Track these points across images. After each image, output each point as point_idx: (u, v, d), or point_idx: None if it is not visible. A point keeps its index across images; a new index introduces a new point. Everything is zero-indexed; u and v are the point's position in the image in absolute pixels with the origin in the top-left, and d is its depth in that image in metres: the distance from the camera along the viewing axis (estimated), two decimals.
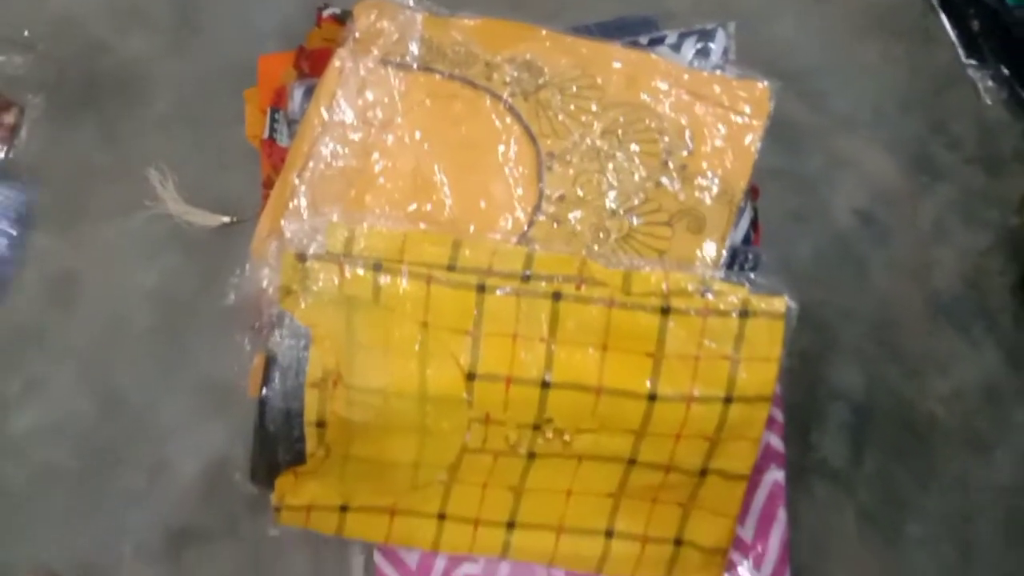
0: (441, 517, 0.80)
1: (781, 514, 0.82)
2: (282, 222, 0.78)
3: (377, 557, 0.82)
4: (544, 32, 0.84)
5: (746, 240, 0.81)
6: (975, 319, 0.91)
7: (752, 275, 0.78)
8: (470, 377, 0.75)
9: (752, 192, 0.82)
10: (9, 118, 0.91)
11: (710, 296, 0.76)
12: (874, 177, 0.94)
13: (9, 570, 0.86)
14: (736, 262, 0.79)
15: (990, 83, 0.94)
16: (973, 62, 0.95)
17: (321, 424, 0.77)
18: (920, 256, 0.93)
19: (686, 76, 0.82)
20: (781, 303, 0.75)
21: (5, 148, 0.94)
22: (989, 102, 0.95)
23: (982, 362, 0.91)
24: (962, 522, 0.88)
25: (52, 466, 0.86)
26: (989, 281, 0.92)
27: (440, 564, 0.81)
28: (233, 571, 0.84)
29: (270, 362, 0.78)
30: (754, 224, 0.83)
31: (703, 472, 0.78)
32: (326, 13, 0.89)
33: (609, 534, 0.80)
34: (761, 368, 0.75)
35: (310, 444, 0.77)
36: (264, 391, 0.79)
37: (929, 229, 0.93)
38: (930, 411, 0.90)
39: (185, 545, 0.84)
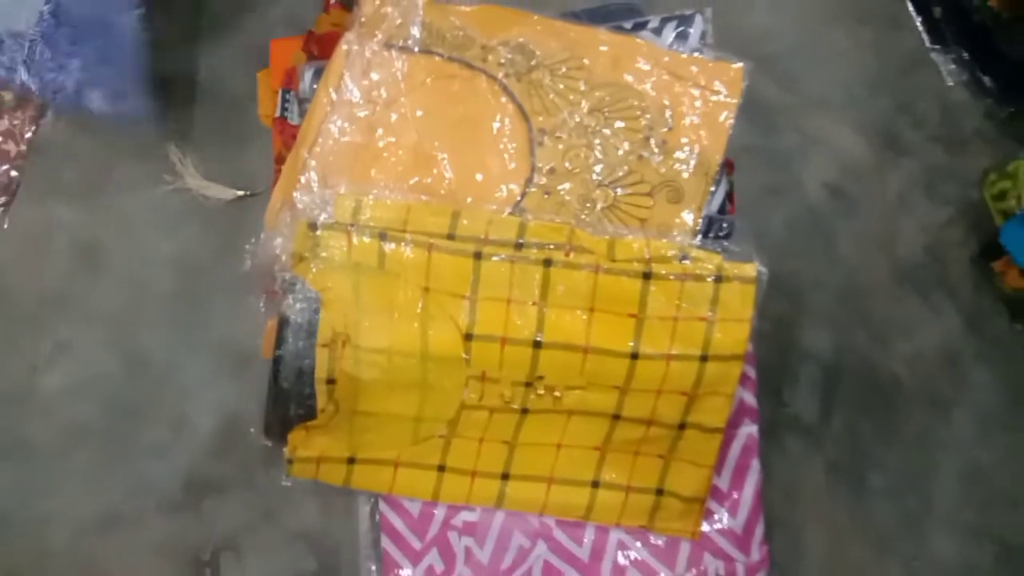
0: (441, 469, 0.82)
1: (755, 465, 0.83)
2: (294, 194, 0.79)
3: (382, 506, 0.84)
4: (536, 17, 0.84)
5: (722, 210, 0.82)
6: (936, 287, 0.93)
7: (726, 243, 0.80)
8: (468, 338, 0.76)
9: (727, 166, 0.84)
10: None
11: (688, 262, 0.78)
12: (843, 153, 0.96)
13: (42, 525, 0.86)
14: (712, 230, 0.81)
15: (952, 66, 0.96)
16: (936, 46, 0.97)
17: (331, 381, 0.79)
18: (886, 228, 0.94)
19: (666, 58, 0.83)
20: (752, 269, 0.78)
21: (33, 128, 0.96)
22: (951, 84, 0.97)
23: (943, 327, 0.93)
24: (922, 474, 0.90)
25: (80, 423, 0.89)
26: (950, 252, 0.94)
27: (440, 512, 0.83)
28: (249, 519, 0.87)
29: (283, 324, 0.81)
30: (730, 196, 0.84)
31: (682, 426, 0.80)
32: (333, 0, 0.91)
33: (595, 484, 0.82)
34: (734, 329, 0.77)
35: (320, 400, 0.80)
36: (278, 351, 0.81)
37: (894, 202, 0.95)
38: (894, 372, 0.92)
39: (204, 495, 0.87)
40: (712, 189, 0.80)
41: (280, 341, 0.80)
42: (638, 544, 0.83)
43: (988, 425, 0.91)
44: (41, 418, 0.88)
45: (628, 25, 0.85)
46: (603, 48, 0.83)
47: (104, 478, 0.87)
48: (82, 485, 0.87)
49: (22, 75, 0.85)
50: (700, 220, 0.80)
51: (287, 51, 0.90)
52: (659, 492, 0.81)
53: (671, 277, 0.77)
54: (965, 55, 0.95)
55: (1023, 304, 0.92)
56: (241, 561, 0.86)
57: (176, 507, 0.87)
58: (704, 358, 0.77)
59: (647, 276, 0.76)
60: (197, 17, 0.96)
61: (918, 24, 0.97)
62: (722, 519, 0.82)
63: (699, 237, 0.80)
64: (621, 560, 0.83)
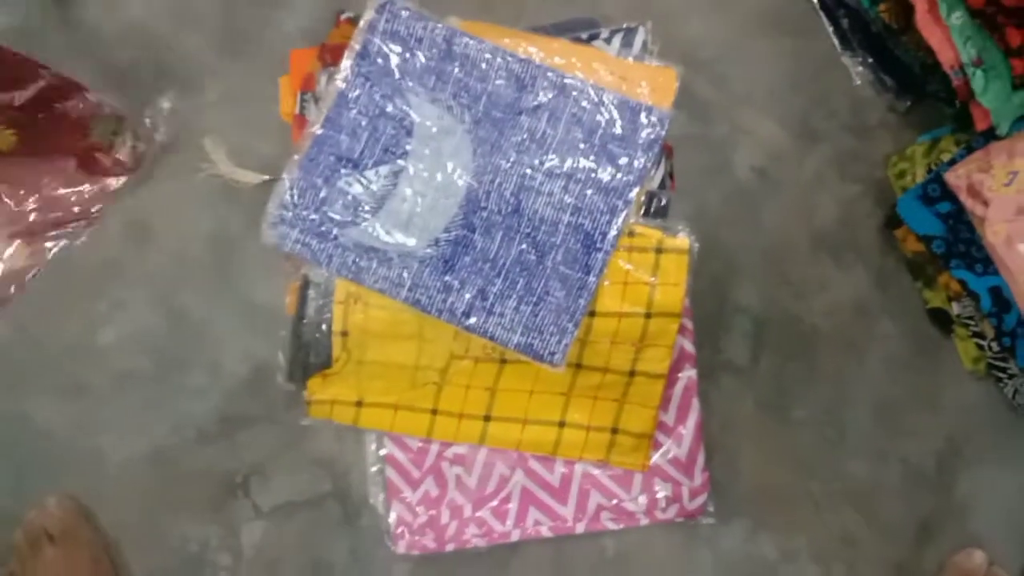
0: (433, 412, 0.89)
1: (695, 403, 0.90)
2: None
3: (386, 441, 0.91)
4: (511, 31, 0.90)
5: (662, 186, 0.88)
6: (848, 251, 0.98)
7: (665, 220, 0.87)
8: None
9: (667, 149, 0.90)
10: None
11: (634, 237, 0.86)
12: (767, 141, 1.00)
13: (99, 455, 0.93)
14: (653, 204, 0.87)
15: (859, 68, 1.00)
16: (845, 51, 1.01)
17: (344, 334, 0.87)
18: (804, 202, 0.99)
19: (613, 62, 0.89)
20: (685, 242, 0.85)
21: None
22: (858, 82, 1.01)
23: (854, 284, 0.98)
24: (839, 409, 0.96)
25: (130, 370, 0.94)
26: (859, 222, 0.99)
27: (435, 446, 0.90)
28: (274, 448, 0.93)
29: (305, 285, 0.88)
30: (670, 175, 0.90)
31: (631, 373, 0.87)
32: (343, 16, 0.95)
33: (562, 424, 0.88)
34: (672, 291, 0.85)
35: (335, 350, 0.88)
36: (300, 308, 0.89)
37: (811, 181, 0.99)
38: (813, 323, 0.97)
39: (236, 429, 0.93)
40: (653, 170, 0.87)
41: (302, 299, 0.89)
42: (599, 472, 0.90)
43: (894, 367, 0.97)
44: (97, 366, 0.94)
45: (584, 36, 0.91)
46: (559, 60, 0.88)
47: (150, 416, 0.93)
48: (132, 422, 0.93)
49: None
50: (643, 197, 0.86)
51: (305, 59, 0.95)
52: (614, 431, 0.88)
53: (622, 249, 0.85)
54: (869, 59, 1.00)
55: (921, 265, 0.97)
56: (268, 483, 0.92)
57: (212, 439, 0.93)
58: (648, 315, 0.84)
59: None
60: (227, 31, 1.00)
61: (830, 33, 1.01)
62: (669, 450, 0.89)
63: (642, 211, 0.86)
64: (586, 485, 0.89)
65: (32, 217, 0.96)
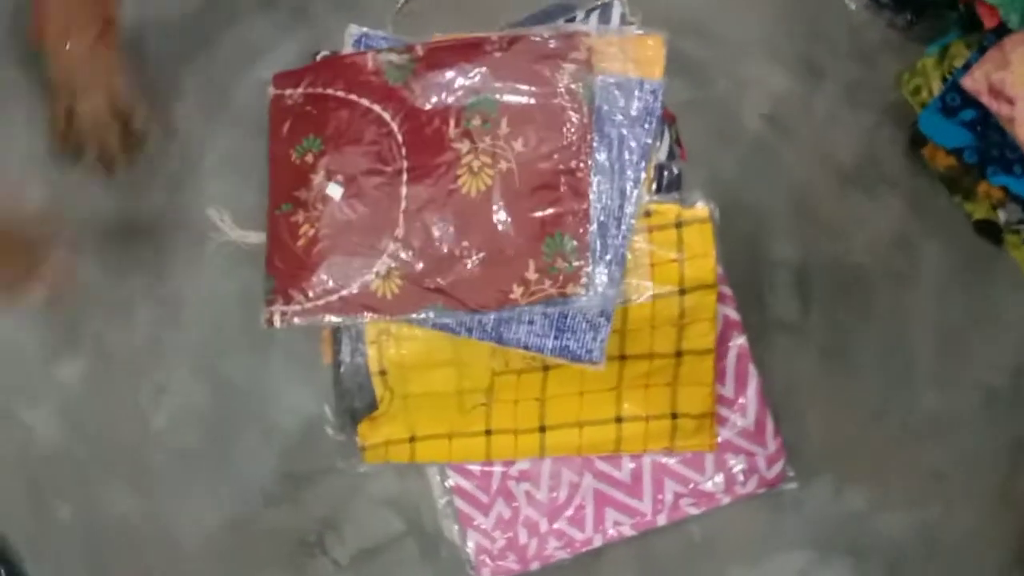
0: (488, 433, 0.85)
1: (751, 370, 0.85)
2: None
3: (449, 471, 0.87)
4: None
5: (671, 156, 0.82)
6: (877, 181, 0.93)
7: (679, 194, 0.81)
8: None
9: (669, 118, 0.84)
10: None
11: (651, 216, 0.80)
12: (771, 88, 0.95)
13: (174, 534, 0.91)
14: (664, 177, 0.81)
15: None
16: None
17: (383, 372, 0.83)
18: (821, 142, 0.94)
19: (594, 44, 0.82)
20: (704, 211, 0.80)
21: None
22: (853, 7, 0.95)
23: (890, 214, 0.92)
24: (900, 344, 0.90)
25: (187, 446, 0.92)
26: (882, 149, 0.93)
27: (498, 466, 0.86)
28: (340, 497, 0.90)
29: (336, 331, 0.85)
30: (678, 143, 0.85)
31: (678, 354, 0.82)
32: (320, 56, 0.89)
33: (619, 420, 0.84)
34: (701, 263, 0.79)
35: (378, 390, 0.84)
36: (336, 356, 0.86)
37: (824, 119, 0.94)
38: (856, 262, 0.92)
39: (300, 486, 0.90)
40: (656, 143, 0.81)
41: (336, 347, 0.85)
42: (668, 459, 0.85)
43: (947, 289, 0.91)
44: (157, 451, 0.92)
45: (561, 21, 0.86)
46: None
47: (215, 487, 0.91)
48: (199, 497, 0.91)
49: None
50: (652, 171, 0.81)
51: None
52: (674, 416, 0.83)
53: (641, 230, 0.79)
54: None
55: (956, 179, 0.91)
56: (341, 535, 0.89)
57: (279, 500, 0.90)
58: (682, 292, 0.79)
59: None
60: (209, 94, 0.99)
61: None
62: (735, 422, 0.84)
63: (654, 187, 0.81)
64: (658, 475, 0.85)
65: None
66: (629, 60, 0.80)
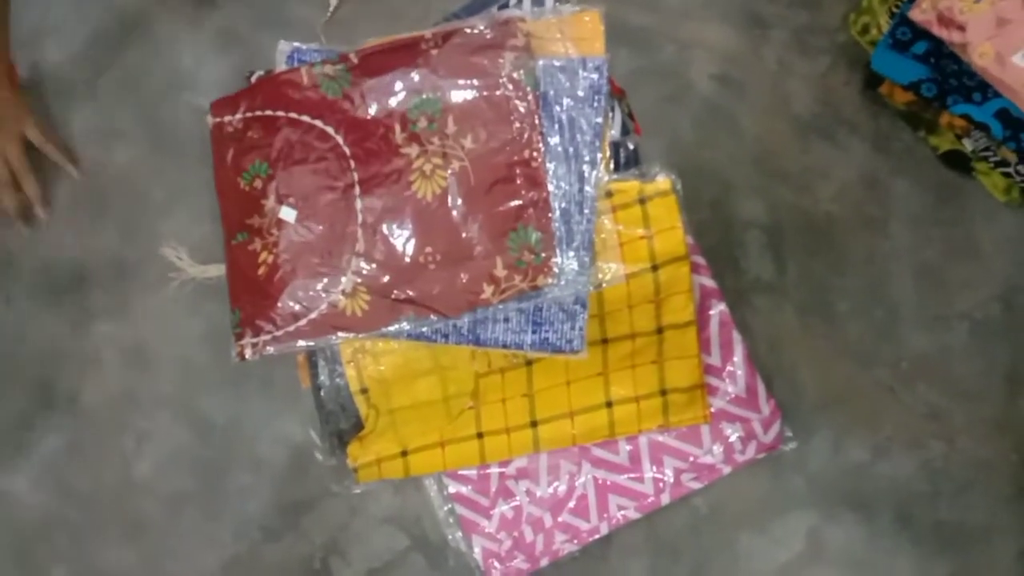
0: (480, 436, 0.82)
1: (736, 336, 0.82)
2: None
3: (446, 479, 0.84)
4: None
5: (625, 131, 0.79)
6: (837, 126, 0.90)
7: (639, 169, 0.78)
8: None
9: (618, 93, 0.81)
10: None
11: (613, 196, 0.77)
12: (718, 46, 0.92)
13: None
14: (621, 154, 0.78)
15: None
16: None
17: (364, 391, 0.80)
18: (776, 94, 0.91)
19: (530, 27, 0.78)
20: (667, 183, 0.77)
21: None
22: None
23: (854, 158, 0.90)
24: (881, 288, 0.88)
25: (178, 492, 0.89)
26: (838, 93, 0.91)
27: (494, 467, 0.83)
28: (340, 521, 0.87)
29: (311, 355, 0.82)
30: (631, 117, 0.81)
31: (659, 330, 0.79)
32: (255, 76, 0.86)
33: (609, 404, 0.81)
34: (670, 236, 0.76)
35: (362, 409, 0.81)
36: (313, 379, 0.83)
37: (776, 70, 0.91)
38: (826, 211, 0.89)
39: (297, 515, 0.88)
40: (608, 120, 0.77)
41: (313, 370, 0.82)
42: (664, 437, 0.82)
43: (921, 226, 0.88)
44: (145, 498, 0.89)
45: (495, 9, 0.83)
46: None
47: (212, 529, 0.88)
48: (196, 540, 0.88)
49: None
50: (607, 150, 0.77)
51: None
52: (663, 392, 0.80)
53: (606, 212, 0.76)
54: None
55: (916, 115, 0.89)
56: (346, 558, 0.86)
57: (278, 533, 0.87)
58: (655, 267, 0.76)
59: None
60: (149, 131, 0.96)
61: None
62: (726, 390, 0.82)
63: (611, 166, 0.77)
64: (656, 454, 0.82)
65: None
66: (568, 39, 0.77)
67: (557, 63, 0.76)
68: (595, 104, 0.75)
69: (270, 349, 0.78)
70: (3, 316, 0.94)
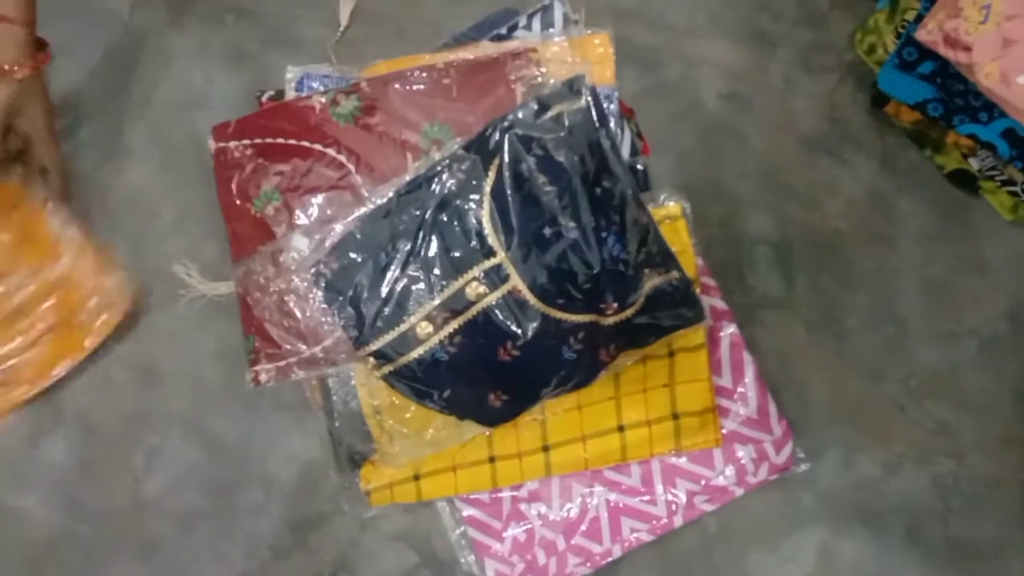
0: (492, 460, 0.81)
1: (746, 357, 0.81)
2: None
3: (458, 502, 0.83)
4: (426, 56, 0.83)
5: (634, 152, 0.79)
6: (844, 144, 0.89)
7: (649, 193, 0.78)
8: None
9: (627, 112, 0.81)
10: None
11: None
12: (725, 64, 0.91)
13: None
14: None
15: None
16: None
17: (377, 413, 0.79)
18: (783, 111, 0.90)
19: (540, 49, 0.78)
20: (677, 208, 0.76)
21: None
22: None
23: (861, 175, 0.89)
24: (889, 304, 0.87)
25: (188, 510, 0.87)
26: (845, 111, 0.90)
27: (507, 491, 0.82)
28: (350, 538, 0.85)
29: (324, 377, 0.80)
30: (639, 137, 0.82)
31: (671, 354, 0.79)
32: (264, 97, 0.87)
33: (621, 428, 0.79)
34: (680, 259, 0.75)
35: (374, 431, 0.79)
36: (325, 401, 0.82)
37: (783, 88, 0.90)
38: (834, 228, 0.88)
39: (307, 533, 0.86)
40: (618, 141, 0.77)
41: (325, 393, 0.81)
42: (677, 459, 0.81)
43: (929, 243, 0.87)
44: (156, 517, 0.87)
45: (504, 30, 0.82)
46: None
47: (223, 548, 0.86)
48: (208, 559, 0.87)
49: None
50: None
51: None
52: (675, 416, 0.79)
53: None
54: None
55: (923, 133, 0.88)
56: (356, 575, 0.85)
57: (288, 551, 0.86)
58: None
59: None
60: (159, 149, 0.94)
61: None
62: (738, 412, 0.81)
63: None
64: (669, 476, 0.81)
65: None
66: (579, 63, 0.76)
67: None
68: (606, 132, 0.74)
69: (286, 375, 0.77)
70: None
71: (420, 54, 0.82)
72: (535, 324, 0.70)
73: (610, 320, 0.72)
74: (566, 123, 0.70)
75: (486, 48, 0.76)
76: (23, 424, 0.90)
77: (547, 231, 0.69)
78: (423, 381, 0.74)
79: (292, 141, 0.77)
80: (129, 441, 0.89)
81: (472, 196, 0.71)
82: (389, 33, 0.93)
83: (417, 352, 0.73)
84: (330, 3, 0.95)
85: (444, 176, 0.72)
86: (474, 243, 0.71)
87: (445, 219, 0.71)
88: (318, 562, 0.86)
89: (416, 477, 0.81)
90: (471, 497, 0.82)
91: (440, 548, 0.85)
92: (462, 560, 0.83)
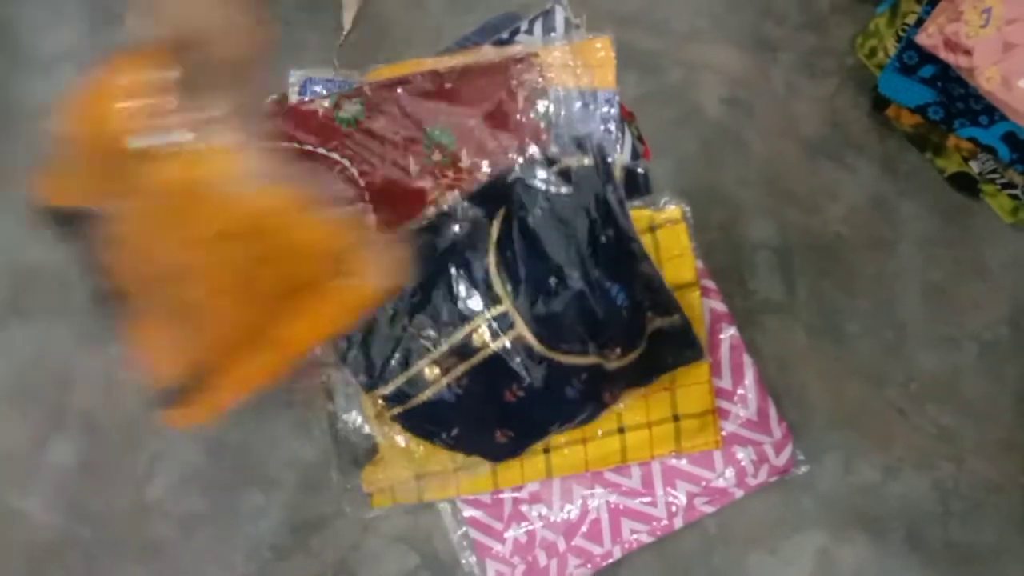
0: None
1: (746, 359, 0.81)
2: None
3: (459, 503, 0.83)
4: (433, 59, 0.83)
5: (635, 156, 0.79)
6: (845, 148, 0.89)
7: (650, 197, 0.78)
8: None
9: (628, 117, 0.81)
10: None
11: None
12: (726, 69, 0.91)
13: None
14: (632, 179, 0.78)
15: None
16: None
17: (379, 416, 0.79)
18: (784, 116, 0.90)
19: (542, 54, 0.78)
20: (677, 211, 0.76)
21: None
22: None
23: (862, 180, 0.88)
24: (889, 309, 0.86)
25: (191, 513, 0.88)
26: (846, 115, 0.89)
27: (508, 492, 0.82)
28: (350, 540, 0.85)
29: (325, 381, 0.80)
30: (640, 141, 0.82)
31: None
32: (267, 101, 0.84)
33: (622, 430, 0.79)
34: (680, 263, 0.76)
35: (376, 434, 0.80)
36: (329, 404, 0.82)
37: (784, 92, 0.90)
38: (835, 232, 0.88)
39: (308, 535, 0.86)
40: (618, 145, 0.77)
41: (328, 395, 0.81)
42: (677, 461, 0.81)
43: (929, 247, 0.87)
44: (158, 520, 0.88)
45: (506, 35, 0.82)
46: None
47: (224, 549, 0.87)
48: (210, 561, 0.87)
49: None
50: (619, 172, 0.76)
51: None
52: (676, 418, 0.79)
53: None
54: None
55: (924, 137, 0.87)
56: None
57: (289, 552, 0.86)
58: None
59: None
60: None
61: None
62: (738, 414, 0.80)
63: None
64: (669, 478, 0.81)
65: None
66: (580, 67, 0.76)
67: (572, 95, 0.75)
68: (607, 136, 0.75)
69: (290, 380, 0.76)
70: (18, 336, 0.92)
71: (422, 58, 0.81)
72: (540, 368, 0.72)
73: (614, 365, 0.74)
74: (573, 177, 0.73)
75: (488, 53, 0.76)
76: (27, 426, 0.90)
77: (552, 281, 0.72)
78: (431, 421, 0.77)
79: (295, 145, 0.77)
80: (132, 444, 0.89)
81: (479, 245, 0.73)
82: (392, 38, 0.93)
83: (426, 395, 0.75)
84: (333, 7, 0.95)
85: (451, 225, 0.74)
86: (480, 292, 0.73)
87: (452, 268, 0.74)
88: (319, 564, 0.86)
89: (418, 478, 0.81)
90: (472, 498, 0.82)
91: (441, 549, 0.85)
92: (463, 561, 0.83)
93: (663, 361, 0.76)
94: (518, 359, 0.73)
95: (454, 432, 0.76)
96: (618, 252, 0.73)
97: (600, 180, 0.73)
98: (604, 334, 0.73)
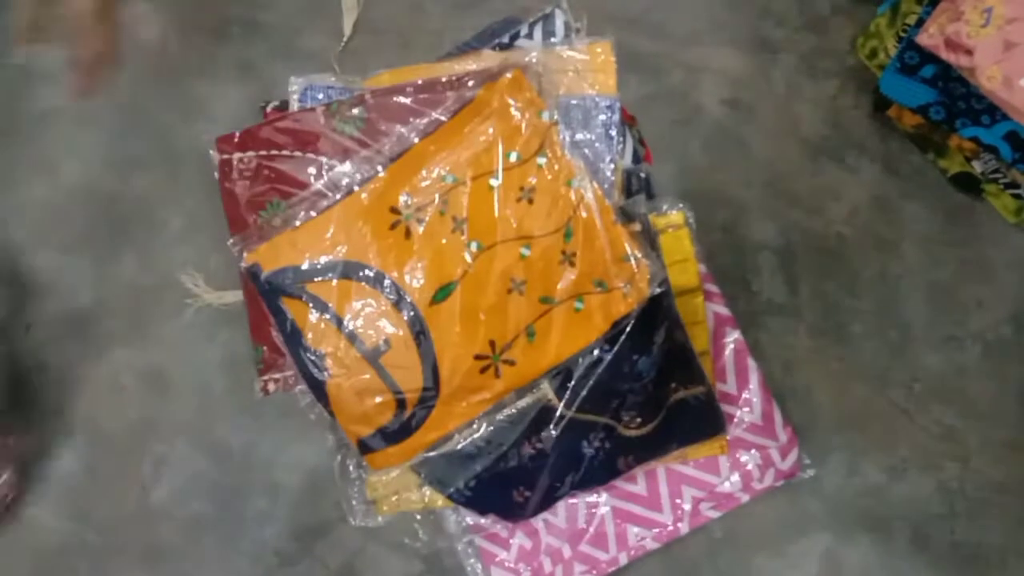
0: None
1: (751, 363, 0.80)
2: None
3: (463, 510, 0.80)
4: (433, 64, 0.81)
5: (636, 160, 0.77)
6: (847, 149, 0.89)
7: (653, 202, 0.76)
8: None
9: (629, 120, 0.79)
10: None
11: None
12: (727, 71, 0.91)
13: None
14: (632, 183, 0.76)
15: None
16: None
17: None
18: (786, 117, 0.90)
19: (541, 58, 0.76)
20: (680, 216, 0.75)
21: None
22: None
23: (864, 180, 0.88)
24: (893, 309, 0.86)
25: (195, 517, 0.88)
26: (848, 116, 0.89)
27: None
28: (355, 545, 0.86)
29: None
30: (641, 144, 0.80)
31: None
32: (269, 108, 0.84)
33: None
34: (683, 268, 0.75)
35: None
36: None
37: (785, 93, 0.90)
38: (837, 233, 0.87)
39: (313, 540, 0.86)
40: (619, 147, 0.75)
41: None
42: (682, 467, 0.80)
43: (932, 247, 0.87)
44: (163, 524, 0.88)
45: (506, 39, 0.81)
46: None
47: (229, 554, 0.87)
48: (214, 565, 0.87)
49: None
50: (619, 175, 0.75)
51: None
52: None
53: None
54: None
55: (925, 137, 0.87)
56: None
57: (294, 558, 0.86)
58: None
59: None
60: (166, 161, 0.95)
61: None
62: (743, 418, 0.79)
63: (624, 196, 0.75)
64: (675, 483, 0.80)
65: None
66: (580, 71, 0.75)
67: (572, 101, 0.74)
68: (609, 142, 0.74)
69: (294, 386, 0.76)
70: (23, 342, 0.92)
71: (423, 64, 0.81)
72: (560, 423, 0.73)
73: (631, 433, 0.74)
74: None
75: (488, 57, 0.76)
76: (33, 432, 0.90)
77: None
78: (450, 471, 0.77)
79: (297, 152, 0.77)
80: (136, 449, 0.90)
81: None
82: (392, 43, 0.93)
83: (448, 447, 0.75)
84: (333, 14, 0.95)
85: None
86: None
87: None
88: (324, 570, 0.86)
89: (422, 486, 0.80)
90: None
91: (445, 554, 0.85)
92: (468, 568, 0.82)
93: (683, 434, 0.76)
94: (540, 415, 0.74)
95: (472, 483, 0.77)
96: (650, 326, 0.73)
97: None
98: (625, 402, 0.73)
